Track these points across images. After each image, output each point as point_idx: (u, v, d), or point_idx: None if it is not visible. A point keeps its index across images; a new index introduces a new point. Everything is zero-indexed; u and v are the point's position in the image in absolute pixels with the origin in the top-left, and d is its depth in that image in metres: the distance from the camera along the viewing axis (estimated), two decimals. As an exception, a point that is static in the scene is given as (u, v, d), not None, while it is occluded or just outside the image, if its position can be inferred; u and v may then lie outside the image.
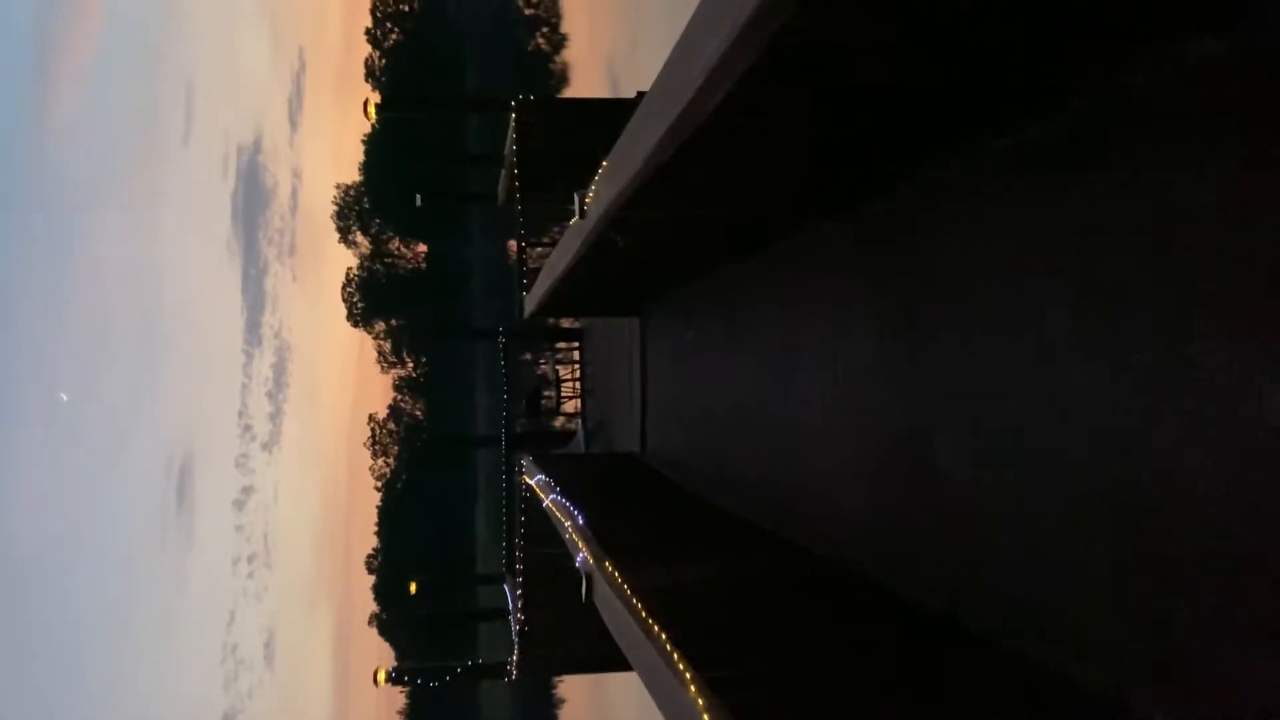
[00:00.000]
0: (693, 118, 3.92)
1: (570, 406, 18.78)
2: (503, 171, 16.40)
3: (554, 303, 11.96)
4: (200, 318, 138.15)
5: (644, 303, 12.49)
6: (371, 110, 12.82)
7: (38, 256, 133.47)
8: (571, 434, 18.20)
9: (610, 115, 11.62)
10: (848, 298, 6.14)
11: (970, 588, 4.79)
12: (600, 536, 6.85)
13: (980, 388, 4.68)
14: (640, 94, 9.91)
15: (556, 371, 17.67)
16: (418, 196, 18.30)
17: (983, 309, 4.68)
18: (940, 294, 5.09)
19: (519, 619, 12.99)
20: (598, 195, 5.72)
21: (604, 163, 5.37)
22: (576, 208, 6.16)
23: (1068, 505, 3.98)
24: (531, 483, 11.43)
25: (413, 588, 17.78)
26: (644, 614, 4.95)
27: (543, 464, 12.25)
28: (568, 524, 7.89)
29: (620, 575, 5.59)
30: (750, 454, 8.09)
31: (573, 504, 8.44)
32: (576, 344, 18.69)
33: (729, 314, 8.95)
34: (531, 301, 12.23)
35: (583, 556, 6.81)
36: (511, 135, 12.68)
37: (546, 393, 17.68)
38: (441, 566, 57.98)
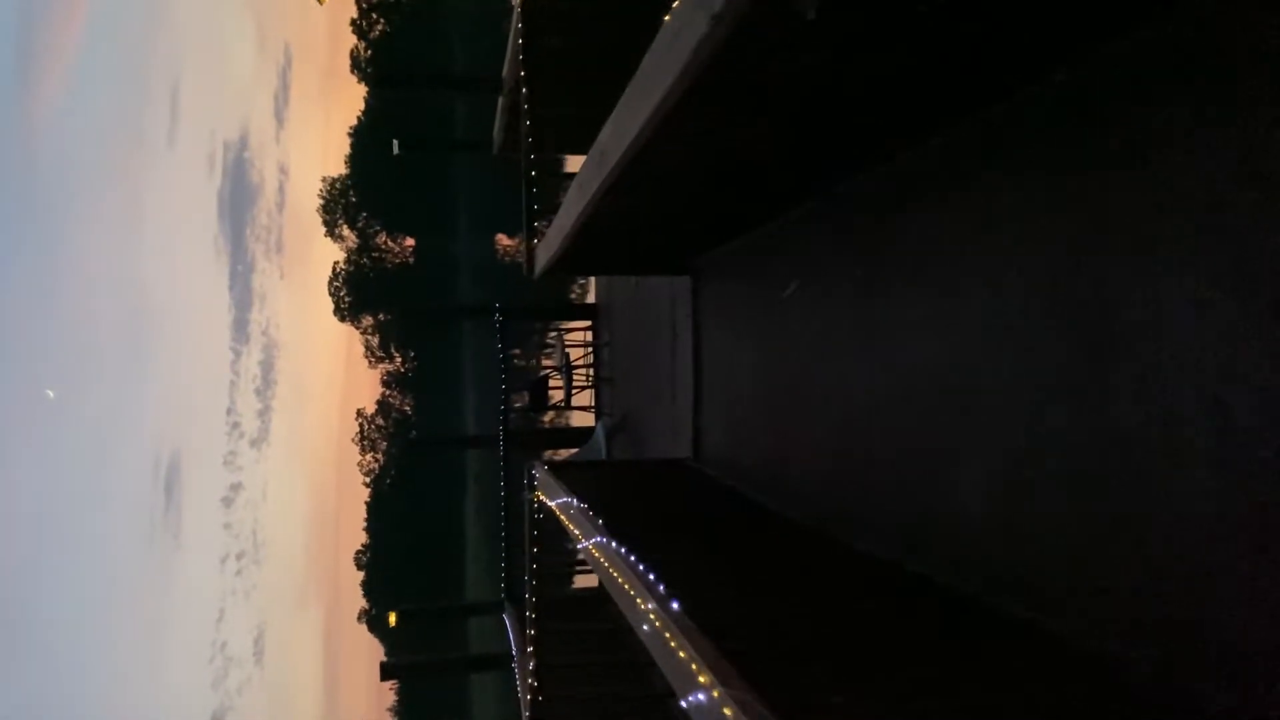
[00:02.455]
0: None
1: (582, 399, 15.03)
2: (499, 102, 12.66)
3: (579, 250, 8.25)
4: (187, 315, 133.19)
5: (699, 254, 8.85)
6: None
7: (22, 253, 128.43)
8: (587, 433, 14.50)
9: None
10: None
11: None
12: (727, 648, 3.19)
13: None
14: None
15: (566, 357, 14.00)
16: (395, 143, 14.64)
17: None
18: None
19: (530, 684, 9.29)
20: None
21: None
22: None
23: None
24: (552, 506, 7.76)
25: (392, 619, 14.10)
26: None
27: (562, 476, 8.55)
28: (643, 604, 4.25)
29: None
30: (947, 477, 4.44)
31: (638, 556, 4.79)
32: (589, 324, 15.01)
33: (872, 246, 5.30)
34: (548, 248, 8.52)
35: (704, 700, 3.16)
36: (516, 27, 9.00)
37: (554, 383, 14.01)
38: (430, 587, 54.31)
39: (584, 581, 12.09)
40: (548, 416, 15.25)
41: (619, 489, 8.46)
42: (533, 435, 15.03)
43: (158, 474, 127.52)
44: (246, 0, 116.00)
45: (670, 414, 10.27)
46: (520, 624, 12.95)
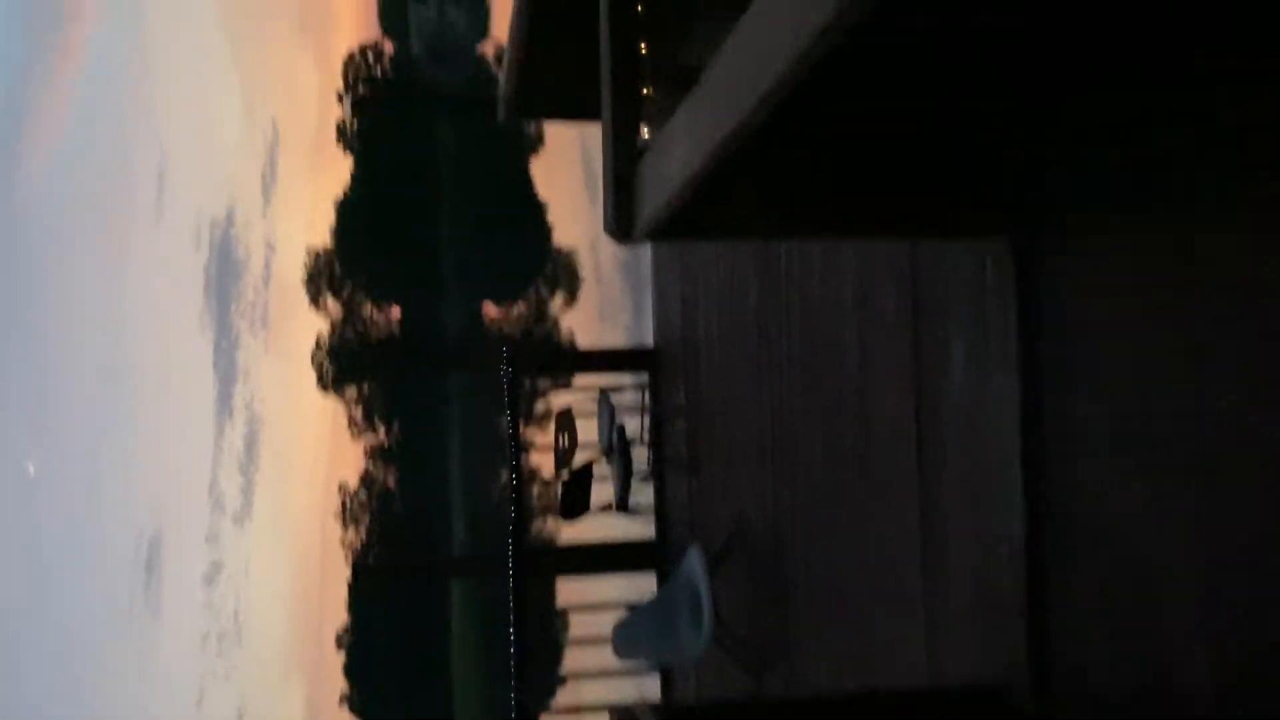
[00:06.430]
0: None
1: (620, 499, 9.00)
2: (515, 14, 7.02)
3: (755, 161, 2.63)
4: (171, 391, 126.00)
5: (1046, 175, 3.23)
6: None
7: (4, 324, 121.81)
8: (640, 552, 8.59)
9: None
10: None
11: None
12: None
13: None
14: None
15: (619, 433, 8.08)
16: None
17: None
18: None
19: None
20: None
21: None
22: None
23: None
24: None
25: None
26: None
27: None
28: None
29: None
30: None
31: None
32: (645, 374, 9.13)
33: None
34: (678, 165, 2.87)
35: None
36: None
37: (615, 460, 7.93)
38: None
39: None
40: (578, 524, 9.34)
41: None
42: (553, 556, 9.10)
43: (138, 551, 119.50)
44: (235, 78, 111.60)
45: (907, 543, 4.49)
46: None
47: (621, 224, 3.42)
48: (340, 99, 64.45)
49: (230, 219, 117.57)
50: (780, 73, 2.30)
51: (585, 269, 52.89)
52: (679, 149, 2.85)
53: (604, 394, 8.66)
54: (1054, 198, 3.41)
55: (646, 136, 3.34)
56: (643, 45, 3.26)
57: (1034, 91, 2.78)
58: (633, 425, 8.96)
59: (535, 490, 11.10)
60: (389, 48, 63.26)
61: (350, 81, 64.33)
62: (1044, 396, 3.51)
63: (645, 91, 3.25)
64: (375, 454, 64.84)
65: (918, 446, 4.32)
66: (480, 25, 57.21)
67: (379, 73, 63.40)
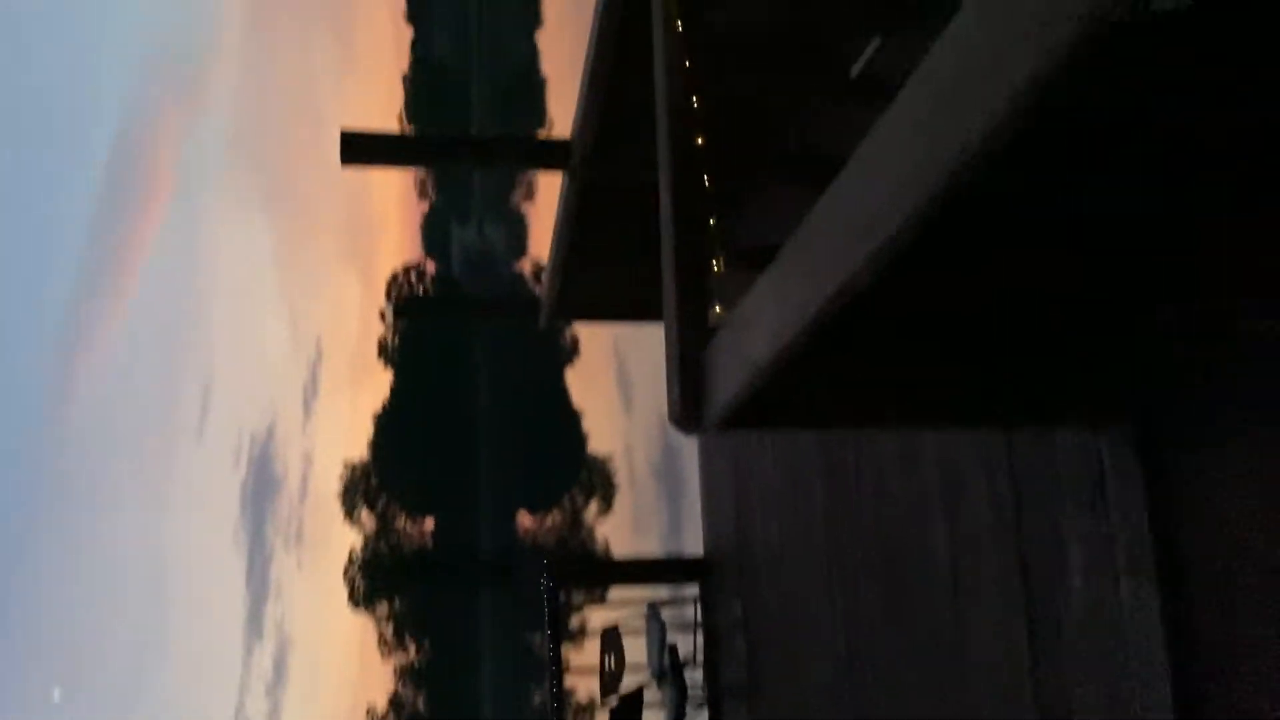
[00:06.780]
0: None
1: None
2: (561, 191, 6.86)
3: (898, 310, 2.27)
4: (202, 611, 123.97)
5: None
6: None
7: (43, 547, 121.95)
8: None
9: None
10: None
11: None
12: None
13: None
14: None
15: (671, 655, 7.35)
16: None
17: None
18: None
19: None
20: None
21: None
22: None
23: None
24: None
25: None
26: None
27: None
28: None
29: None
30: None
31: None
32: (696, 585, 8.51)
33: None
34: (773, 319, 2.50)
35: None
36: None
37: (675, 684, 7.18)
38: None
39: None
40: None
41: None
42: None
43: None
44: (282, 297, 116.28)
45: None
46: None
47: (690, 413, 3.02)
48: (383, 316, 66.55)
49: (270, 435, 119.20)
50: (892, 230, 1.96)
51: (620, 476, 52.47)
52: (765, 321, 2.48)
53: (653, 608, 8.01)
54: (1183, 377, 2.99)
55: (717, 315, 3.00)
56: (712, 219, 2.97)
57: (1170, 254, 2.43)
58: (684, 643, 8.25)
59: (574, 717, 10.19)
60: (430, 266, 65.83)
61: (393, 299, 66.62)
62: (1194, 610, 2.95)
63: (716, 267, 2.91)
64: (405, 674, 62.49)
65: (1032, 668, 3.71)
66: (518, 243, 59.53)
67: (421, 290, 65.68)
